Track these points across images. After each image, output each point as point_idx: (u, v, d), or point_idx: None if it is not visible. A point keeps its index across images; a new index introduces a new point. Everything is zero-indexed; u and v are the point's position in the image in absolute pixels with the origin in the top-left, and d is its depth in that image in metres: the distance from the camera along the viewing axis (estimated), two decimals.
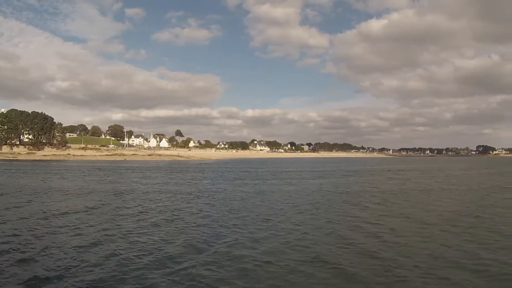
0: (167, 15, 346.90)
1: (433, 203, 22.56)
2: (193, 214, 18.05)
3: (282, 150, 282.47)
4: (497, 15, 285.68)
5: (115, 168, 59.09)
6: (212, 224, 15.50)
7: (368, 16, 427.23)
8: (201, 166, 72.09)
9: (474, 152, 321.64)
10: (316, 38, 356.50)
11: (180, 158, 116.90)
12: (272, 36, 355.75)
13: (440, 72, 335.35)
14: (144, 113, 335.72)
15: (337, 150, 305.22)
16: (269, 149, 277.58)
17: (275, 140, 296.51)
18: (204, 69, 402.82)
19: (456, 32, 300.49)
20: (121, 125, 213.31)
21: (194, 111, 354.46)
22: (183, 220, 16.18)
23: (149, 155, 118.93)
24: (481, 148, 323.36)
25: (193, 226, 15.07)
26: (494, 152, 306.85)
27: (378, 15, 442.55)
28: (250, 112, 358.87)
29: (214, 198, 24.17)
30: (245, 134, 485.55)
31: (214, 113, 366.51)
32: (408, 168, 76.07)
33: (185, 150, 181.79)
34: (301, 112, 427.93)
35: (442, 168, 73.13)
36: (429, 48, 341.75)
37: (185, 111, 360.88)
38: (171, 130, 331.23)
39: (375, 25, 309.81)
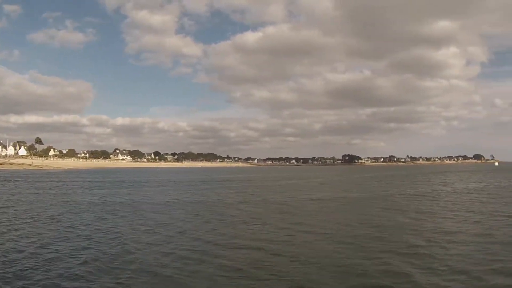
0: (44, 14, 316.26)
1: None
2: None
3: (145, 160, 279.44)
4: (370, 33, 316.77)
5: None
6: None
7: (244, 28, 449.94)
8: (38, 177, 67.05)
9: (339, 161, 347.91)
10: (190, 47, 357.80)
11: (32, 168, 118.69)
12: (148, 43, 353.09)
13: (312, 85, 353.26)
14: (14, 118, 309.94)
15: (202, 160, 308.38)
16: (131, 158, 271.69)
17: (138, 150, 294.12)
18: (77, 74, 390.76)
19: (329, 47, 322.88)
20: None
21: (63, 118, 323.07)
22: None
23: (0, 163, 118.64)
24: (347, 157, 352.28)
25: None
26: (360, 161, 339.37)
27: (254, 27, 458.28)
28: (120, 121, 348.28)
29: None
30: (113, 143, 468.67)
31: (84, 120, 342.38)
32: (240, 177, 79.03)
33: (43, 159, 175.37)
34: (171, 121, 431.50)
35: (281, 177, 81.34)
36: (302, 62, 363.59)
37: (55, 118, 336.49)
38: (43, 137, 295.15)
39: (250, 37, 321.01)
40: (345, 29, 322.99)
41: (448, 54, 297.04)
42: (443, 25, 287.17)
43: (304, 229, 17.09)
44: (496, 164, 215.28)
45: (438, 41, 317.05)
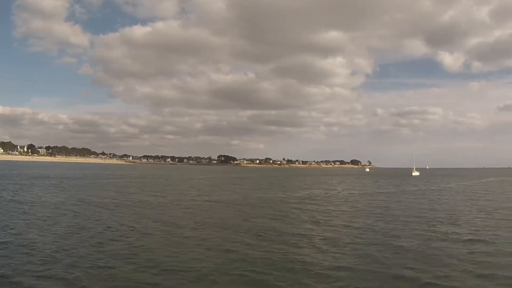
0: None
1: None
2: None
3: (17, 153, 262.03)
4: (259, 36, 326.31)
5: None
6: None
7: (134, 22, 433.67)
8: None
9: (215, 161, 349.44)
10: (78, 37, 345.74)
11: None
12: (36, 28, 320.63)
13: (195, 84, 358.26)
14: None
15: (76, 155, 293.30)
16: (2, 150, 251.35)
17: (11, 142, 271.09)
18: None
19: (217, 48, 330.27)
20: None
21: None
22: None
23: None
24: (223, 157, 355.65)
25: None
26: (235, 162, 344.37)
27: (144, 22, 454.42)
28: None
29: None
30: None
31: None
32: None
33: None
34: (52, 113, 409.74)
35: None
36: (188, 60, 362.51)
37: None
38: None
39: (139, 31, 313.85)
40: (235, 31, 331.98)
41: (335, 63, 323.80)
42: (333, 35, 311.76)
43: None
44: (367, 170, 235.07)
45: (327, 50, 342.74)
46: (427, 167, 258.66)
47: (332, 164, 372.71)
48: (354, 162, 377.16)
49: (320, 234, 16.32)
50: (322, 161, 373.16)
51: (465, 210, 25.89)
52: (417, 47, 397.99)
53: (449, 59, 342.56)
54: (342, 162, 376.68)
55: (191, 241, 14.60)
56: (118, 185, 46.62)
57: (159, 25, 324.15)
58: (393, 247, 13.77)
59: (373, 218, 21.48)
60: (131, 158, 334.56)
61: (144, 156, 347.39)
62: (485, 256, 12.65)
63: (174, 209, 24.35)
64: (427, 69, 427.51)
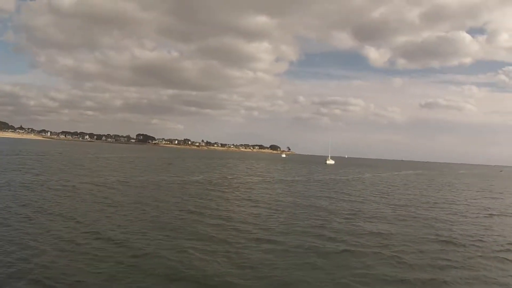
0: None
1: None
2: None
3: None
4: (186, 14, 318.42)
5: None
6: None
7: None
8: None
9: (133, 140, 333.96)
10: (5, 0, 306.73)
11: None
12: None
13: (118, 59, 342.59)
14: None
15: None
16: None
17: None
18: None
19: (143, 23, 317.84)
20: None
21: None
22: None
23: None
24: (141, 136, 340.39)
25: None
26: (154, 142, 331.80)
27: None
28: None
29: None
30: None
31: None
32: None
33: None
34: None
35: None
36: (112, 33, 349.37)
37: None
38: None
39: (67, 0, 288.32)
40: (164, 7, 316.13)
41: (260, 48, 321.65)
42: (261, 20, 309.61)
43: None
44: (283, 155, 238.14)
45: (253, 35, 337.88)
46: (346, 156, 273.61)
47: (251, 148, 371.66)
48: (273, 147, 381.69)
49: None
50: (241, 145, 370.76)
51: (370, 204, 22.89)
52: (344, 40, 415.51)
53: (375, 54, 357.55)
54: (261, 146, 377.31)
55: None
56: None
57: None
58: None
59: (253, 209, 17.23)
60: (49, 133, 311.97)
61: (63, 132, 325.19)
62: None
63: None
64: (353, 62, 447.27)
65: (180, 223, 14.27)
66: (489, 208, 24.69)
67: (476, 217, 20.31)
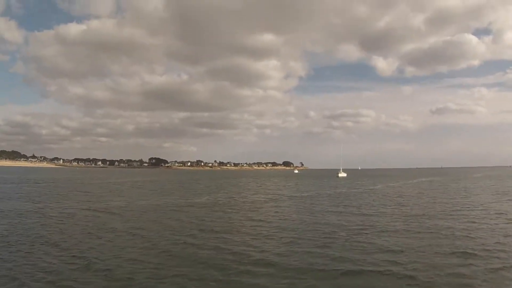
0: None
1: None
2: None
3: None
4: (194, 38, 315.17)
5: None
6: None
7: (69, 19, 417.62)
8: None
9: (146, 164, 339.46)
10: (12, 32, 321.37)
11: None
12: None
13: (128, 85, 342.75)
14: None
15: (6, 158, 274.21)
16: None
17: None
18: None
19: (151, 48, 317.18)
20: None
21: None
22: None
23: None
24: (154, 160, 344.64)
25: None
26: (167, 165, 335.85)
27: (79, 19, 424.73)
28: None
29: None
30: None
31: None
32: None
33: None
34: None
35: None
36: (121, 60, 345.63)
37: None
38: None
39: (74, 29, 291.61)
40: (171, 31, 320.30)
41: (269, 66, 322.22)
42: (267, 38, 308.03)
43: None
44: (296, 171, 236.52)
45: (261, 53, 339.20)
46: (359, 168, 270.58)
47: (264, 166, 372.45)
48: (286, 163, 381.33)
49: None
50: (254, 163, 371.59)
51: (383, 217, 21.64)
52: (351, 52, 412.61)
53: (383, 64, 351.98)
54: (274, 163, 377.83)
55: None
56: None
57: (94, 23, 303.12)
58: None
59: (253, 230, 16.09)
60: (61, 161, 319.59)
61: (75, 159, 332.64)
62: None
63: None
64: (361, 73, 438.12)
65: (172, 248, 13.40)
66: (507, 212, 23.24)
67: (496, 223, 18.94)
